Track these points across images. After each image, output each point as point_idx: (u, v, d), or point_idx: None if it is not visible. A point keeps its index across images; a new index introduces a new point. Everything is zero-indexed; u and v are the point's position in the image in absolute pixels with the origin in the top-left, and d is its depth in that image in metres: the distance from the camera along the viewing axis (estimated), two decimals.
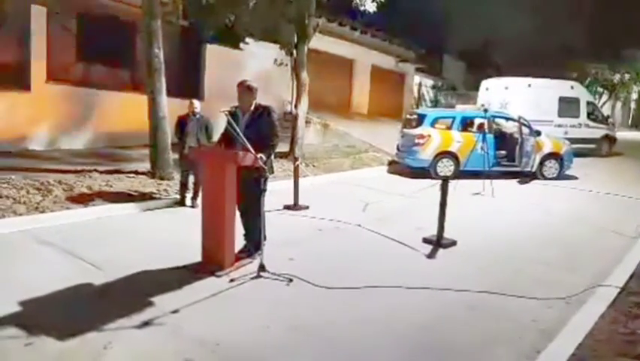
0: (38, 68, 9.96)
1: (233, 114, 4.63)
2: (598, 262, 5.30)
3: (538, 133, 10.89)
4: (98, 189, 7.07)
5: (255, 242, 4.69)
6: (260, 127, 4.61)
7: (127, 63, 12.23)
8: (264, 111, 4.70)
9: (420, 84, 26.19)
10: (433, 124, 10.71)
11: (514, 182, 10.55)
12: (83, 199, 6.56)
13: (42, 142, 10.10)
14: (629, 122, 37.46)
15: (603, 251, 5.78)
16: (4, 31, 10.11)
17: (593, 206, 8.58)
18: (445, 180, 5.86)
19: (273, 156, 4.79)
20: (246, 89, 4.69)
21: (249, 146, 4.25)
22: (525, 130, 10.86)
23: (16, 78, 9.78)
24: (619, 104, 34.49)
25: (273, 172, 4.82)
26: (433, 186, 8.01)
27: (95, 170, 8.07)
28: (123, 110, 10.81)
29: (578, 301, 4.14)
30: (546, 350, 3.29)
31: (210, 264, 4.48)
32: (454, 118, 10.92)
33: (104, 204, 6.52)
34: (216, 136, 5.42)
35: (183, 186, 7.06)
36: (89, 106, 10.67)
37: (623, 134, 19.97)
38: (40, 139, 10.08)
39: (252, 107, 4.71)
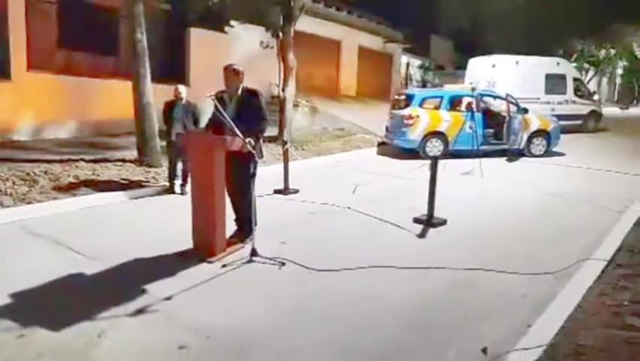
0: (18, 56, 9.73)
1: (220, 99, 4.58)
2: (586, 237, 5.38)
3: (526, 110, 10.94)
4: (85, 178, 6.99)
5: (246, 227, 4.69)
6: (248, 111, 4.56)
7: (110, 49, 12.00)
8: (251, 95, 4.66)
9: (407, 64, 26.09)
10: (421, 104, 10.70)
11: (502, 160, 10.62)
12: (70, 189, 6.49)
13: (26, 132, 9.94)
14: (615, 97, 37.75)
15: (591, 225, 5.86)
16: None
17: (580, 181, 8.67)
18: (435, 160, 5.87)
19: (261, 140, 4.76)
20: (232, 73, 4.63)
21: (237, 130, 4.22)
22: (513, 108, 10.89)
23: None
24: (605, 80, 34.71)
25: (262, 156, 4.80)
26: (422, 167, 8.04)
27: (82, 159, 7.97)
28: (108, 98, 10.65)
29: (567, 275, 4.21)
30: (536, 323, 3.35)
31: (202, 250, 4.47)
32: (442, 98, 10.92)
33: (91, 194, 6.45)
34: (204, 121, 5.36)
35: (172, 173, 7.01)
36: (72, 94, 10.48)
37: (608, 110, 20.16)
38: (24, 129, 9.91)
39: (239, 91, 4.66)
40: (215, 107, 4.43)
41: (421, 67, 27.30)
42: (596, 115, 16.51)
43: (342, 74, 20.67)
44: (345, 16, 19.91)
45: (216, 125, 4.61)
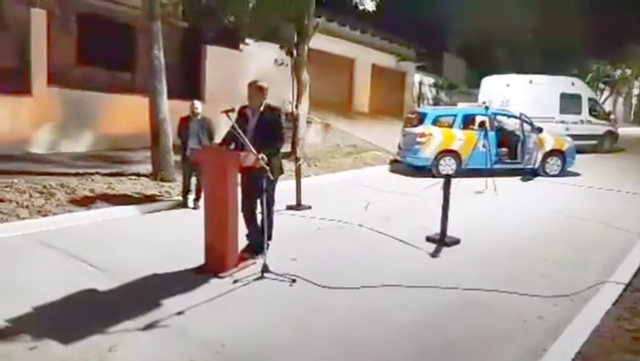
0: (39, 71, 9.95)
1: (242, 114, 4.68)
2: (602, 259, 5.28)
3: (540, 130, 10.86)
4: (100, 191, 7.07)
5: (258, 242, 4.69)
6: (267, 128, 4.64)
7: (127, 65, 12.24)
8: (272, 112, 4.75)
9: (420, 82, 26.14)
10: (434, 122, 10.69)
11: (516, 179, 10.52)
12: (85, 202, 6.56)
13: (44, 145, 10.10)
14: (631, 117, 37.33)
15: (607, 247, 5.76)
16: (4, 34, 10.12)
17: (596, 202, 8.55)
18: (447, 179, 5.84)
19: (280, 157, 4.83)
20: (256, 90, 4.72)
21: (250, 146, 4.26)
22: (527, 127, 10.83)
23: (17, 82, 9.79)
24: (620, 100, 34.39)
25: (282, 172, 4.88)
26: (435, 185, 7.99)
27: (97, 173, 8.07)
28: (124, 113, 10.81)
29: (584, 298, 4.12)
30: (552, 347, 3.28)
31: (214, 265, 4.47)
32: (455, 116, 10.90)
33: (106, 207, 6.52)
34: (218, 137, 5.42)
35: (185, 188, 7.06)
36: (90, 109, 10.67)
37: (624, 130, 19.93)
38: (42, 142, 10.08)
39: (262, 107, 4.73)
40: (232, 124, 4.48)
41: (434, 85, 27.33)
42: (611, 135, 16.33)
43: (355, 92, 20.76)
44: (358, 34, 20.09)
45: (233, 141, 4.66)
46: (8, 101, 9.56)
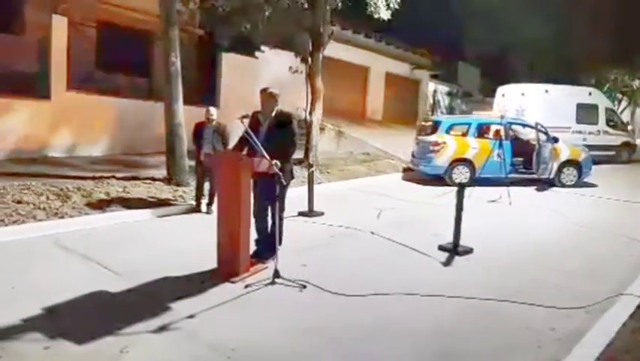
0: (58, 76, 10.15)
1: (254, 118, 4.74)
2: (618, 270, 5.19)
3: (556, 140, 10.75)
4: (115, 195, 7.16)
5: (266, 248, 4.71)
6: (279, 133, 4.68)
7: (144, 71, 12.43)
8: (284, 118, 4.80)
9: (435, 91, 26.08)
10: (448, 131, 10.65)
11: (531, 189, 10.41)
12: (101, 205, 6.65)
13: (61, 149, 10.28)
14: None
15: (623, 259, 5.65)
16: (26, 40, 10.35)
17: (613, 214, 8.41)
18: (461, 187, 5.80)
19: (291, 163, 4.86)
20: (268, 96, 4.79)
21: (264, 152, 4.29)
22: (542, 137, 10.72)
23: (37, 87, 9.99)
24: (639, 111, 33.87)
25: (293, 177, 4.90)
26: (448, 194, 7.95)
27: (113, 176, 8.18)
28: (140, 118, 10.96)
29: (599, 310, 4.05)
30: (566, 359, 3.23)
31: (226, 269, 4.49)
32: (469, 125, 10.85)
33: (121, 210, 6.60)
34: (232, 143, 5.47)
35: (199, 193, 7.12)
36: (107, 114, 10.85)
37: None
38: (59, 146, 10.26)
39: (274, 113, 4.78)
40: (246, 129, 4.52)
41: (448, 93, 27.26)
42: (629, 146, 16.11)
43: (369, 100, 20.80)
44: (373, 42, 20.16)
45: (246, 146, 4.71)
46: (28, 106, 9.76)
